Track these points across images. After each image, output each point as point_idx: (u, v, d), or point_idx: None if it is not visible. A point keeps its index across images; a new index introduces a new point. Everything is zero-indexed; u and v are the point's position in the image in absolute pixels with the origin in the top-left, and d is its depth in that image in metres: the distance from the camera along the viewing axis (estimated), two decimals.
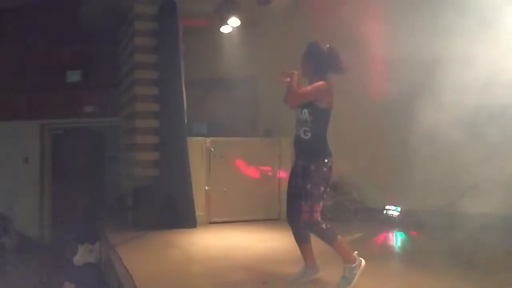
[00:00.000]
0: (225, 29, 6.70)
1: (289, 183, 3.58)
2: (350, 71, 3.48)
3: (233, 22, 6.43)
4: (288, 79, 3.32)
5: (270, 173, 6.50)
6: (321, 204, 3.28)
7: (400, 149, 5.88)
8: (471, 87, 4.69)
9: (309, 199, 3.25)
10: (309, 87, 3.39)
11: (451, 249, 4.41)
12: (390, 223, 5.95)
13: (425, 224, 5.45)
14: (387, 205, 6.18)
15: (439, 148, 5.42)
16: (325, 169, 3.30)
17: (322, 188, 3.29)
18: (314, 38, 3.54)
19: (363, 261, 3.34)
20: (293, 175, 3.54)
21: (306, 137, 3.37)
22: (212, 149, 6.29)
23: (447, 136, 5.30)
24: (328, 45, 3.45)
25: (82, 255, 5.87)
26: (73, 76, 8.63)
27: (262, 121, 7.39)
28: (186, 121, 6.08)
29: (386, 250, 4.99)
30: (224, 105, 7.39)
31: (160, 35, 6.24)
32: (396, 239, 5.51)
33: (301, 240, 3.57)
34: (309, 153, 3.37)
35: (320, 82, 3.36)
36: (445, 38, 5.16)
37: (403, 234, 5.54)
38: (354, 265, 3.27)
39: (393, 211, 6.10)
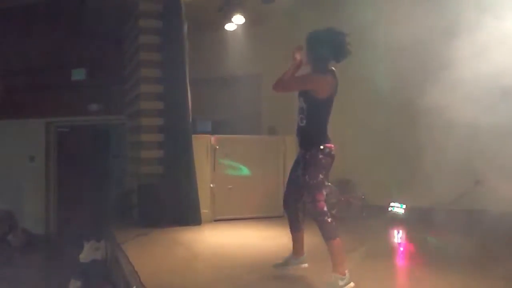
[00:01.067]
0: (229, 27, 6.70)
1: (290, 170, 3.58)
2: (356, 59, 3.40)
3: (238, 19, 6.43)
4: (297, 57, 3.34)
5: (275, 171, 6.50)
6: (324, 193, 3.23)
7: (405, 147, 5.88)
8: (482, 82, 4.66)
9: (310, 189, 3.23)
10: (299, 78, 3.36)
11: (460, 246, 4.40)
12: (396, 221, 5.94)
13: (431, 221, 5.44)
14: (392, 202, 6.17)
15: (445, 146, 5.41)
16: (321, 156, 3.23)
17: (321, 176, 3.22)
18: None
19: (352, 284, 3.11)
20: (295, 162, 3.53)
21: (302, 124, 3.36)
22: (217, 147, 6.29)
23: (453, 133, 5.29)
24: (327, 30, 3.32)
25: (88, 253, 5.88)
26: (78, 75, 8.67)
27: (266, 119, 7.40)
28: (191, 119, 6.09)
29: (394, 248, 4.99)
30: (229, 103, 7.40)
31: (165, 33, 6.24)
32: (403, 237, 5.50)
33: (294, 228, 3.57)
34: (305, 140, 3.36)
35: (315, 74, 3.32)
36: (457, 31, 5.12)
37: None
38: (343, 277, 3.10)
39: (398, 208, 6.09)
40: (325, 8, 6.42)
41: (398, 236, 5.53)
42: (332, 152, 3.28)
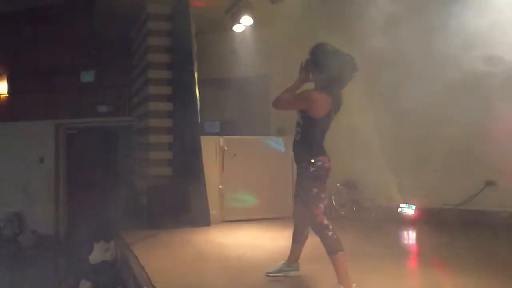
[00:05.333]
0: (237, 28, 6.70)
1: (294, 185, 3.54)
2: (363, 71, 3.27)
3: (246, 21, 6.43)
4: (302, 74, 3.32)
5: (283, 172, 6.49)
6: (321, 206, 3.15)
7: (415, 147, 5.84)
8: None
9: (306, 204, 3.21)
10: (296, 97, 3.28)
11: (471, 247, 4.36)
12: (405, 222, 5.91)
13: (441, 222, 5.41)
14: (401, 203, 6.13)
15: (455, 146, 5.38)
16: (312, 169, 3.15)
17: (315, 190, 3.15)
18: (324, 38, 3.36)
19: None
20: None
21: (297, 139, 3.32)
22: (226, 148, 6.30)
23: (462, 133, 5.26)
24: (330, 51, 3.18)
25: (98, 254, 5.91)
26: (87, 77, 8.73)
27: (274, 119, 7.39)
28: (199, 120, 6.11)
29: (404, 249, 4.96)
30: (237, 104, 7.40)
31: (173, 34, 6.27)
32: (412, 238, 5.48)
33: (296, 240, 3.58)
34: (298, 154, 3.32)
35: (313, 93, 3.20)
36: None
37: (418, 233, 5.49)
38: None
39: (407, 209, 6.05)
40: (333, 9, 6.41)
41: (407, 237, 5.50)
42: (326, 165, 3.19)
